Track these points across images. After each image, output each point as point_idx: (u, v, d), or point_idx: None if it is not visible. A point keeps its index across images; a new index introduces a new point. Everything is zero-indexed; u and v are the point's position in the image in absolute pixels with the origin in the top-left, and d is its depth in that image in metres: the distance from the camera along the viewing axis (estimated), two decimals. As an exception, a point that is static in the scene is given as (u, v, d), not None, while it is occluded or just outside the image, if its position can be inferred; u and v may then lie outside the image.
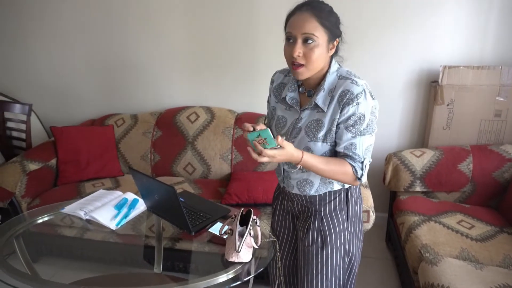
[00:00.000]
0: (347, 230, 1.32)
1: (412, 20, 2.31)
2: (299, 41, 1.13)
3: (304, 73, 1.16)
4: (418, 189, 2.20)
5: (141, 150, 2.64)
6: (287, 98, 1.27)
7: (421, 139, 2.54)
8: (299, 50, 1.12)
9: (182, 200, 1.74)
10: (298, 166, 1.15)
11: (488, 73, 2.18)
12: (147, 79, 2.81)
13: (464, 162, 2.14)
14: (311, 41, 1.12)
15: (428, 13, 2.29)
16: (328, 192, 1.29)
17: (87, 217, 1.71)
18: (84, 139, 2.59)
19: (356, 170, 1.17)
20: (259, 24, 2.49)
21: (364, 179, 1.20)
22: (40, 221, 1.80)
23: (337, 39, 1.18)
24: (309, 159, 1.13)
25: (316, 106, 1.19)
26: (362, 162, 1.17)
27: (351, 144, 1.16)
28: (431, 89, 2.38)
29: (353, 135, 1.15)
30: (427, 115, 2.46)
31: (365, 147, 1.16)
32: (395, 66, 2.42)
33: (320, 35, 1.12)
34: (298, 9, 1.15)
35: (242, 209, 1.41)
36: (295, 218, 1.43)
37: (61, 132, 2.57)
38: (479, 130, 2.29)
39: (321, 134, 1.19)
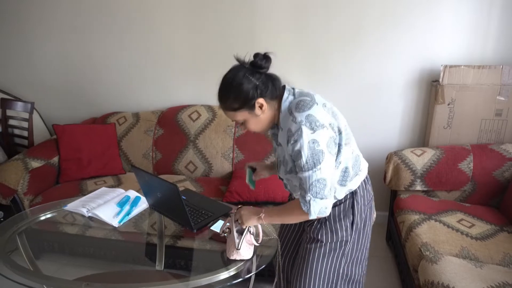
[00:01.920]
0: (350, 237, 1.32)
1: (413, 20, 2.32)
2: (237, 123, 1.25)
3: (261, 133, 1.30)
4: (418, 188, 2.21)
5: (143, 148, 2.65)
6: (269, 133, 1.35)
7: (422, 138, 2.54)
8: (242, 128, 1.27)
9: (184, 198, 1.75)
10: (262, 215, 1.27)
11: (489, 73, 2.18)
12: (149, 78, 2.82)
13: (464, 161, 2.15)
14: (240, 122, 1.24)
15: (429, 13, 2.29)
16: None
17: (89, 215, 1.72)
18: (86, 137, 2.60)
19: (301, 205, 1.17)
20: (260, 23, 2.50)
21: (313, 216, 1.16)
22: (42, 218, 1.82)
23: (258, 100, 1.17)
24: (267, 216, 1.27)
25: (280, 143, 1.26)
26: (305, 197, 1.16)
27: (299, 179, 1.17)
28: (432, 88, 2.39)
29: (298, 170, 1.17)
30: (427, 114, 2.46)
31: (310, 182, 1.13)
32: (396, 65, 2.43)
33: (240, 116, 1.21)
34: (218, 101, 1.23)
35: (239, 206, 1.43)
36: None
37: (63, 130, 2.58)
38: (479, 130, 2.29)
39: (289, 168, 1.25)
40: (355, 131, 1.35)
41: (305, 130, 1.12)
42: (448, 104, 2.28)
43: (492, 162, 2.13)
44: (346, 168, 1.26)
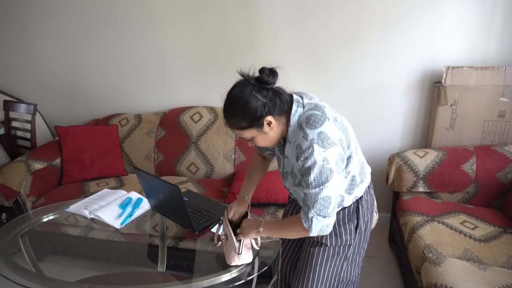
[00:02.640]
0: (353, 240, 1.32)
1: (415, 21, 2.31)
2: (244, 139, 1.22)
3: (269, 147, 1.27)
4: (421, 189, 2.20)
5: (145, 149, 2.65)
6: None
7: (424, 140, 2.54)
8: (249, 144, 1.24)
9: (186, 199, 1.75)
10: (261, 229, 1.27)
11: (491, 74, 2.18)
12: (151, 79, 2.82)
13: (467, 163, 2.14)
14: (248, 139, 1.21)
15: (432, 14, 2.28)
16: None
17: (91, 216, 1.72)
18: (88, 139, 2.61)
19: (303, 221, 1.15)
20: (262, 25, 2.50)
21: (313, 234, 1.15)
22: (45, 220, 1.82)
23: (266, 117, 1.13)
24: (266, 230, 1.27)
25: (287, 156, 1.24)
26: (308, 214, 1.14)
27: (305, 194, 1.15)
28: (434, 89, 2.38)
29: (305, 185, 1.14)
30: (430, 116, 2.46)
31: (315, 199, 1.12)
32: (399, 66, 2.42)
33: (247, 134, 1.17)
34: (223, 117, 1.19)
35: (226, 210, 1.43)
36: None
37: (66, 132, 2.58)
38: (482, 131, 2.28)
39: (297, 180, 1.23)
40: (357, 132, 1.35)
41: (317, 148, 1.09)
42: (451, 106, 2.27)
43: (495, 163, 2.12)
44: (354, 176, 1.26)
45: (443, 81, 2.23)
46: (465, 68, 2.20)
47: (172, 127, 2.64)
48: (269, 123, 1.14)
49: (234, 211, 1.43)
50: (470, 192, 2.17)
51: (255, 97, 1.11)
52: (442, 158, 2.18)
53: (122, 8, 2.67)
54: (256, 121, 1.12)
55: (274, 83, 1.14)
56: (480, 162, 2.13)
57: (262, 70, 1.13)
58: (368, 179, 1.35)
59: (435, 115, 2.32)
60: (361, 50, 2.42)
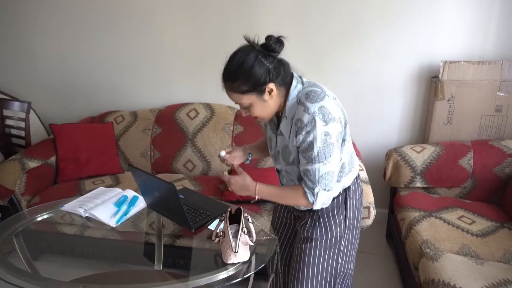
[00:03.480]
0: (344, 232, 1.32)
1: (413, 16, 2.30)
2: (240, 106, 1.20)
3: (263, 120, 1.25)
4: (418, 184, 2.20)
5: (141, 147, 2.63)
6: (269, 122, 1.31)
7: (422, 135, 2.53)
8: (244, 112, 1.22)
9: (182, 197, 1.74)
10: (257, 197, 1.24)
11: (489, 68, 2.17)
12: (146, 76, 2.80)
13: (464, 158, 2.14)
14: (245, 106, 1.18)
15: (430, 9, 2.27)
16: None
17: (87, 215, 1.71)
18: (84, 137, 2.59)
19: (307, 196, 1.17)
20: (259, 21, 2.48)
21: (317, 207, 1.18)
22: (40, 218, 1.80)
23: (269, 84, 1.13)
24: (262, 189, 1.23)
25: (282, 132, 1.23)
26: (313, 189, 1.16)
27: (306, 170, 1.15)
28: (431, 84, 2.37)
29: (306, 161, 1.14)
30: (427, 111, 2.45)
31: (319, 174, 1.13)
32: (396, 61, 2.41)
33: (246, 99, 1.15)
34: (222, 80, 1.18)
35: (230, 208, 1.42)
36: (295, 216, 1.43)
37: (61, 130, 2.56)
38: (479, 126, 2.28)
39: (291, 159, 1.22)
40: (354, 127, 1.34)
41: (319, 122, 1.09)
42: (448, 100, 2.26)
43: (492, 158, 2.12)
44: (343, 164, 1.26)
45: (440, 75, 2.22)
46: (462, 62, 2.19)
47: (168, 124, 2.62)
48: (270, 91, 1.14)
49: (235, 154, 1.44)
50: (467, 187, 2.17)
51: (261, 61, 1.11)
52: (439, 153, 2.18)
53: (118, 5, 2.64)
54: (258, 87, 1.12)
55: (280, 52, 1.15)
56: (477, 157, 2.13)
57: (269, 37, 1.14)
58: (356, 170, 1.35)
59: (432, 110, 2.32)
60: (359, 46, 2.41)
